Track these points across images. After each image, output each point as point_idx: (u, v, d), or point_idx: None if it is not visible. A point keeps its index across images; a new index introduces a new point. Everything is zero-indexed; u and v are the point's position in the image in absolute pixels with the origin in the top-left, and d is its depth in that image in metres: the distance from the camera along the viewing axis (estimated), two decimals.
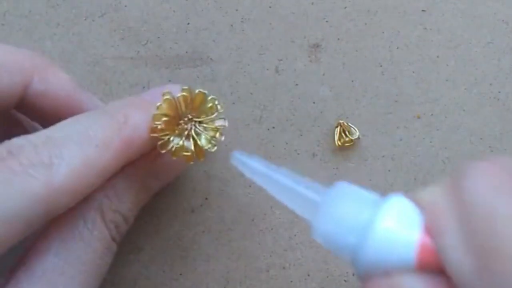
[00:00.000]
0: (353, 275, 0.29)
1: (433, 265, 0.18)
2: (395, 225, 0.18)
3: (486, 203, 0.16)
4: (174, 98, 0.25)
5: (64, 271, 0.23)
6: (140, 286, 0.29)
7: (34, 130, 0.27)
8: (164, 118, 0.24)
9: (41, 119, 0.26)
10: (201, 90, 0.25)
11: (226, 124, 0.26)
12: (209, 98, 0.26)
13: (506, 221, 0.16)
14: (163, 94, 0.25)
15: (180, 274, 0.30)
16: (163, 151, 0.25)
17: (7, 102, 0.24)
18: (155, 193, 0.27)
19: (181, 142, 0.25)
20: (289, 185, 0.21)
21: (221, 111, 0.26)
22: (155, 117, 0.24)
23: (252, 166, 0.22)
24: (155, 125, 0.24)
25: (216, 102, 0.26)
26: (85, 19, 0.32)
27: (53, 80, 0.25)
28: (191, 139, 0.25)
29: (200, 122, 0.25)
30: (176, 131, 0.25)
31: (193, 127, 0.25)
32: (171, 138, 0.25)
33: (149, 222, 0.30)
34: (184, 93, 0.25)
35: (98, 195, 0.24)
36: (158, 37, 0.32)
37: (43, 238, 0.23)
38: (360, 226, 0.19)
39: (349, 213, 0.20)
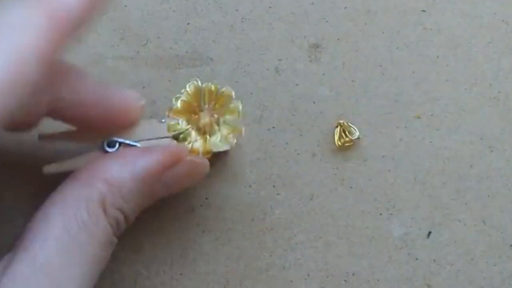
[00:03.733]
0: (353, 275, 0.29)
1: None
2: None
3: None
4: (201, 86, 0.26)
5: (67, 260, 0.22)
6: (140, 286, 0.29)
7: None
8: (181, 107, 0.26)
9: (69, 121, 0.26)
10: (229, 89, 0.26)
11: (243, 132, 0.27)
12: (235, 100, 0.26)
13: None
14: (191, 82, 0.26)
15: (180, 274, 0.30)
16: (176, 140, 0.26)
17: (34, 118, 0.24)
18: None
19: (198, 138, 0.26)
20: None
21: (241, 116, 0.27)
22: (178, 101, 0.25)
23: None
24: (175, 107, 0.25)
25: (240, 107, 0.26)
26: None
27: (80, 89, 0.24)
28: (207, 133, 0.26)
29: (219, 119, 0.26)
30: (193, 120, 0.26)
31: (212, 121, 0.26)
32: (187, 131, 0.26)
33: (149, 222, 0.30)
34: (211, 85, 0.26)
35: (102, 187, 0.24)
36: (158, 37, 0.32)
37: (45, 223, 0.23)
38: None
39: None
